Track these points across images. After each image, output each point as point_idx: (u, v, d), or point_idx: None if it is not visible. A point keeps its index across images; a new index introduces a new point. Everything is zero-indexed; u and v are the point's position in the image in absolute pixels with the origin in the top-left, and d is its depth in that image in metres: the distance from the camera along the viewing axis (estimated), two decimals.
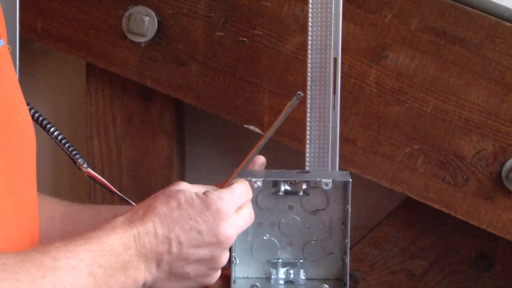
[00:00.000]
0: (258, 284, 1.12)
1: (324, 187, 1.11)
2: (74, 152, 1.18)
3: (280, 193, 1.13)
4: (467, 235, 1.58)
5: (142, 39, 1.58)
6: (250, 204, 1.06)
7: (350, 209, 1.11)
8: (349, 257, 1.11)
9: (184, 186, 1.04)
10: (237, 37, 1.54)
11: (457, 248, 1.60)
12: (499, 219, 1.47)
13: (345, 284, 1.11)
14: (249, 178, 1.09)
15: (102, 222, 0.98)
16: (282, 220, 1.14)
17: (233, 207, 1.02)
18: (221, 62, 1.56)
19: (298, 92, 1.05)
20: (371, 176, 1.51)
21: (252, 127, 1.57)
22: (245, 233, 1.11)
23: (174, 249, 0.98)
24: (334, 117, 1.31)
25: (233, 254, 1.10)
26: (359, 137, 1.51)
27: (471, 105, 1.47)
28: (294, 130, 1.53)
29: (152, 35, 1.57)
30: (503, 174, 1.46)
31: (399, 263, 1.63)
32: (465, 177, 1.48)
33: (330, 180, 1.11)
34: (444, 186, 1.49)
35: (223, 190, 1.03)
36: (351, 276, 1.64)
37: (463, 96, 1.47)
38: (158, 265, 0.97)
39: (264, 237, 1.14)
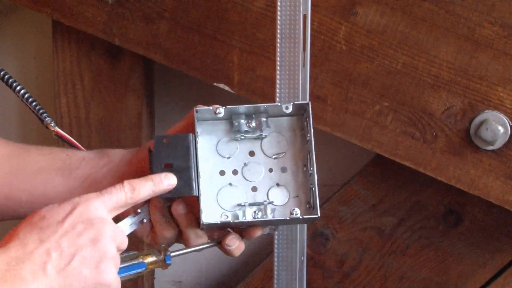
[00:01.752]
0: (228, 214, 1.12)
1: (285, 111, 1.11)
2: (41, 111, 1.16)
3: (241, 137, 1.13)
4: (436, 192, 1.59)
5: None
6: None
7: (313, 139, 1.11)
8: (317, 187, 1.11)
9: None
10: None
11: (426, 204, 1.61)
12: (467, 175, 1.48)
13: (314, 208, 1.11)
14: (210, 107, 1.10)
15: None
16: (244, 166, 1.14)
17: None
18: (190, 19, 1.54)
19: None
20: (341, 133, 1.51)
21: (221, 85, 1.56)
22: (208, 182, 1.12)
23: (53, 253, 0.96)
24: (304, 74, 1.31)
25: (200, 191, 1.09)
26: (329, 94, 1.51)
27: (441, 61, 1.47)
28: (264, 88, 1.53)
29: None
30: (472, 131, 1.47)
31: (368, 220, 1.64)
32: (434, 134, 1.49)
33: (291, 104, 1.11)
34: (413, 143, 1.50)
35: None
36: (321, 233, 1.66)
37: (433, 52, 1.47)
38: (44, 271, 0.95)
39: (228, 185, 1.14)
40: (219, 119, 1.13)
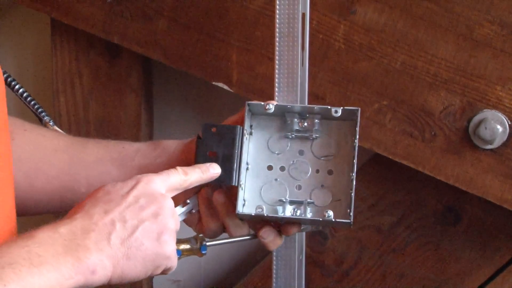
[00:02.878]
0: (263, 207, 1.13)
1: (334, 114, 1.14)
2: (40, 110, 1.17)
3: (291, 135, 1.16)
4: (434, 191, 1.59)
5: None
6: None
7: (357, 143, 1.14)
8: (354, 193, 1.13)
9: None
10: None
11: (425, 203, 1.61)
12: (466, 174, 1.48)
13: (350, 218, 1.12)
14: (262, 102, 1.15)
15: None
16: (292, 164, 1.15)
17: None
18: (189, 17, 1.54)
19: None
20: None
21: (220, 84, 1.56)
22: (255, 175, 1.15)
23: (118, 224, 0.99)
24: (303, 73, 1.30)
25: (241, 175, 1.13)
26: (328, 93, 1.51)
27: (439, 60, 1.47)
28: (263, 87, 1.53)
29: None
30: (470, 130, 1.47)
31: (367, 219, 1.64)
32: (433, 132, 1.49)
33: (340, 108, 1.15)
34: (412, 141, 1.50)
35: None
36: (320, 232, 1.66)
37: (431, 51, 1.47)
38: (108, 240, 0.98)
39: (274, 180, 1.16)
40: (270, 115, 1.17)
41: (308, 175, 1.16)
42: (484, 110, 1.46)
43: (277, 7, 1.28)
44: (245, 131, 1.15)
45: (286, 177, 1.17)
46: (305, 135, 1.17)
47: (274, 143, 1.18)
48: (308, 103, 1.39)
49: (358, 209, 1.64)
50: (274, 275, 1.32)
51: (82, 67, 1.66)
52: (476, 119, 1.46)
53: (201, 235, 1.14)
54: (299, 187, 1.16)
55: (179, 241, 1.10)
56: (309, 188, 1.16)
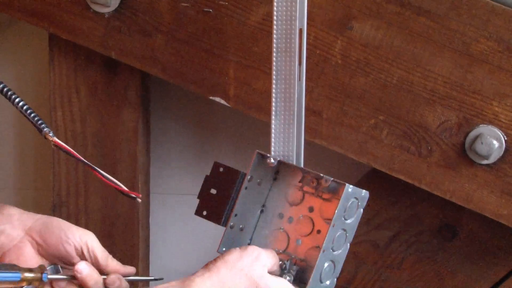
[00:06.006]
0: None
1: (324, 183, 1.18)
2: (39, 122, 1.17)
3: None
4: (431, 206, 1.60)
5: (106, 10, 1.56)
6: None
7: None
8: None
9: (264, 268, 1.14)
10: (202, 7, 1.53)
11: (421, 218, 1.61)
12: (462, 190, 1.48)
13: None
14: (268, 155, 1.19)
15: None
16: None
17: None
18: (187, 33, 1.55)
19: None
20: (337, 147, 1.51)
21: (217, 99, 1.56)
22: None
23: None
24: (300, 88, 1.31)
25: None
26: (325, 108, 1.52)
27: (436, 76, 1.48)
28: (260, 102, 1.53)
29: (116, 5, 1.56)
30: (467, 145, 1.47)
31: (364, 234, 1.64)
32: (429, 148, 1.49)
33: (331, 178, 1.19)
34: (408, 157, 1.50)
35: None
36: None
37: (428, 67, 1.48)
38: None
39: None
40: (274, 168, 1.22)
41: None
42: (480, 125, 1.47)
43: (275, 23, 1.29)
44: (246, 178, 1.19)
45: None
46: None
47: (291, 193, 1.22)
48: (305, 119, 1.40)
49: None
50: None
51: (80, 82, 1.67)
52: (473, 134, 1.47)
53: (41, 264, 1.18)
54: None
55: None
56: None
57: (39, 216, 1.20)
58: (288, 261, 1.16)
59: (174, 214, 1.84)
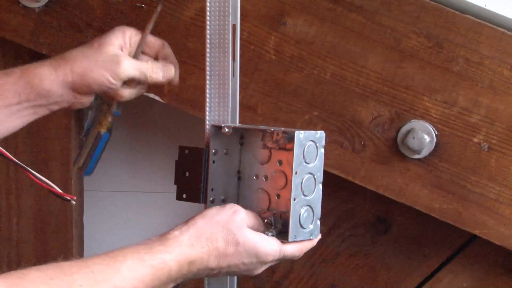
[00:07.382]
0: None
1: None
2: None
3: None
4: (365, 200, 1.61)
5: (35, 4, 1.54)
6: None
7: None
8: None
9: (242, 221, 1.16)
10: (134, 2, 1.52)
11: (355, 212, 1.63)
12: (395, 184, 1.50)
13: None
14: (222, 125, 1.23)
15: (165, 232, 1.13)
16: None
17: (276, 260, 1.19)
18: None
19: None
20: None
21: (151, 95, 1.55)
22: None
23: (215, 271, 1.15)
24: (234, 84, 1.31)
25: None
26: (259, 104, 1.52)
27: (368, 71, 1.49)
28: (195, 98, 1.53)
29: (46, 0, 1.53)
30: (399, 140, 1.49)
31: None
32: (363, 143, 1.51)
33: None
34: (342, 152, 1.51)
35: (275, 248, 1.17)
36: None
37: (361, 63, 1.49)
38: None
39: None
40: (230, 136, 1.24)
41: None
42: (412, 120, 1.49)
43: (208, 18, 1.29)
44: (211, 153, 1.21)
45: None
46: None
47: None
48: (240, 114, 1.40)
49: None
50: (206, 286, 1.32)
51: None
52: (404, 129, 1.49)
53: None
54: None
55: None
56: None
57: None
58: (272, 217, 1.19)
59: (108, 211, 1.82)
